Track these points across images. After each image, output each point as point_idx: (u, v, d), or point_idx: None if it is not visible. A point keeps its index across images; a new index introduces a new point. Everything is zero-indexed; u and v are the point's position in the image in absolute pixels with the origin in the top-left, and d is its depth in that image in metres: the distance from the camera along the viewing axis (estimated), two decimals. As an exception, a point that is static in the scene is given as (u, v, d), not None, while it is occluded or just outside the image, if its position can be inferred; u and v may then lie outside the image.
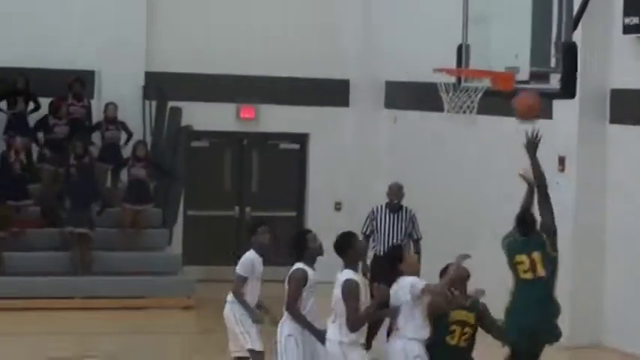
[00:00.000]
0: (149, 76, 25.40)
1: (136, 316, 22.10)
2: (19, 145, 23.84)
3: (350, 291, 12.93)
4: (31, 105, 24.94)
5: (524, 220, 13.91)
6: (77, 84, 24.86)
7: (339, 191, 26.65)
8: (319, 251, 13.69)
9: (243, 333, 14.70)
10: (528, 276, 13.88)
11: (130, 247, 23.77)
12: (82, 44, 25.12)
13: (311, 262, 13.65)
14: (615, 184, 20.51)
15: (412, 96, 24.51)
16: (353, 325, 12.95)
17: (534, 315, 13.97)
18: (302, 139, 26.91)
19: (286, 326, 13.74)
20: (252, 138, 26.73)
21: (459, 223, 23.56)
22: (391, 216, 19.20)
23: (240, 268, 14.95)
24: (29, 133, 24.80)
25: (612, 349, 20.19)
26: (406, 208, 19.18)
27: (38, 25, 25.02)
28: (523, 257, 13.95)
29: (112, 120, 24.72)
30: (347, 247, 13.24)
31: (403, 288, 12.82)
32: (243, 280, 14.88)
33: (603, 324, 20.34)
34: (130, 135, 24.85)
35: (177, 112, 24.72)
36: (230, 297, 14.79)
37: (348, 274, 13.00)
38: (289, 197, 27.05)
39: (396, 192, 19.15)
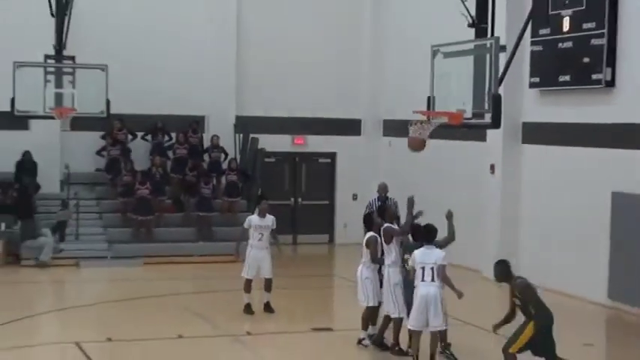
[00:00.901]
0: (238, 118, 27.74)
1: (232, 266, 21.50)
2: (158, 162, 26.51)
3: (370, 242, 15.52)
4: (166, 137, 27.37)
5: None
6: (194, 123, 27.36)
7: (354, 188, 28.44)
8: (379, 225, 15.53)
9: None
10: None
11: (229, 224, 25.55)
12: (197, 98, 27.25)
13: (377, 231, 15.55)
14: (527, 182, 22.40)
15: (399, 127, 23.96)
16: (373, 260, 15.48)
17: None
18: (332, 156, 29.04)
19: (364, 271, 15.65)
20: (302, 156, 28.92)
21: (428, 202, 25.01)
22: (380, 204, 19.32)
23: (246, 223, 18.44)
24: (164, 155, 27.11)
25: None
26: (391, 198, 19.81)
27: (170, 85, 26.77)
28: None
29: (215, 146, 27.21)
30: (369, 221, 16.28)
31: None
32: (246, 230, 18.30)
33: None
34: (226, 155, 27.20)
35: (255, 141, 27.22)
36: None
37: (369, 234, 15.67)
38: (324, 192, 29.15)
39: (383, 188, 20.08)
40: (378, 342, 15.69)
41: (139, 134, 27.41)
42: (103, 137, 26.82)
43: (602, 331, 19.14)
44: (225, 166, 27.35)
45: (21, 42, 24.46)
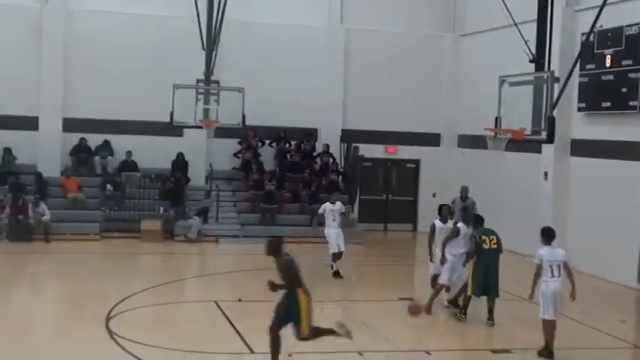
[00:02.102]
0: (343, 131, 27.65)
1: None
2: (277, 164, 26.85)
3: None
4: (287, 145, 27.43)
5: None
6: (309, 135, 27.48)
7: (433, 188, 27.91)
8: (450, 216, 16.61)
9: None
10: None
11: None
12: (311, 116, 27.29)
13: (444, 221, 16.22)
14: (573, 187, 22.16)
15: (471, 141, 26.26)
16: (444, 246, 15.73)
17: None
18: (417, 162, 28.63)
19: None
20: (393, 162, 28.53)
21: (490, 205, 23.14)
22: (460, 202, 20.56)
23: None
24: (285, 159, 27.35)
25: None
26: (470, 198, 20.75)
27: (291, 102, 26.83)
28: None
29: (325, 152, 27.25)
30: (439, 211, 16.59)
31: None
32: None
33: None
34: (334, 159, 27.16)
35: (356, 149, 27.09)
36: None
37: (437, 222, 16.21)
38: (410, 190, 28.70)
39: (464, 190, 20.80)
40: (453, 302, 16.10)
41: (267, 141, 27.53)
42: (240, 143, 26.98)
43: (633, 310, 18.57)
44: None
45: (179, 69, 24.81)
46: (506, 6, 17.77)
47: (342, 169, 27.52)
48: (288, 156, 27.51)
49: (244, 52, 26.64)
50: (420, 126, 28.39)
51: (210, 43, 24.00)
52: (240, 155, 27.20)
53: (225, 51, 25.04)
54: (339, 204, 19.59)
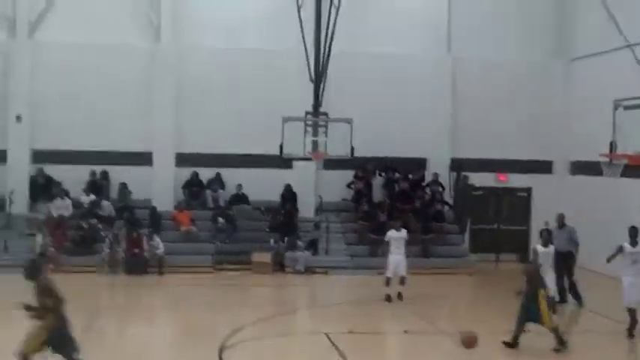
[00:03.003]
0: (452, 160, 27.53)
1: (449, 278, 24.05)
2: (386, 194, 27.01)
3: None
4: (395, 174, 27.36)
5: None
6: (416, 164, 27.46)
7: (546, 216, 24.46)
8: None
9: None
10: None
11: (439, 243, 26.03)
12: (420, 145, 27.35)
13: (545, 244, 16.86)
14: None
15: (586, 167, 25.86)
16: None
17: None
18: (528, 190, 28.26)
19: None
20: (504, 190, 28.12)
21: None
22: (557, 230, 19.85)
23: None
24: (392, 189, 27.24)
25: None
26: (568, 225, 20.14)
27: (400, 131, 26.92)
28: None
29: (434, 181, 27.21)
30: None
31: None
32: None
33: None
34: (443, 188, 27.10)
35: (466, 178, 27.18)
36: None
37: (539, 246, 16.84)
38: (522, 219, 28.15)
39: (560, 217, 20.21)
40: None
41: (377, 171, 27.61)
42: (355, 175, 27.12)
43: None
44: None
45: (288, 102, 25.06)
46: (618, 27, 17.37)
47: (451, 199, 27.39)
48: (396, 185, 27.41)
49: (352, 83, 26.86)
50: (532, 153, 28.05)
51: (318, 74, 24.28)
52: (352, 186, 27.29)
53: (333, 82, 25.21)
54: (403, 231, 20.22)
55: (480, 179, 27.54)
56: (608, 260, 16.27)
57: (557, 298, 18.18)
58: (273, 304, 20.36)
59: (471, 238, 27.30)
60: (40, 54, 26.12)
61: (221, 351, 14.42)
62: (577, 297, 19.90)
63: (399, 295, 19.89)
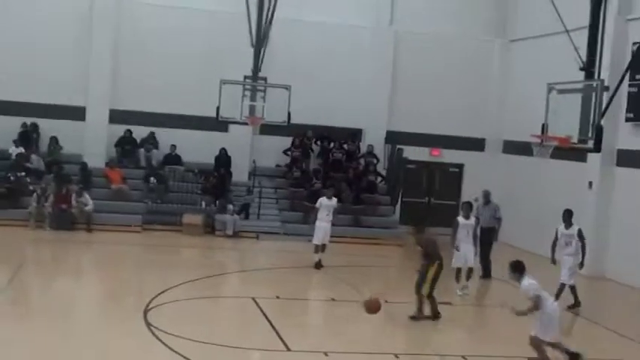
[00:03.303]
0: (388, 133, 27.62)
1: (379, 248, 24.17)
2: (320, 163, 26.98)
3: None
4: (330, 144, 27.43)
5: None
6: (352, 135, 27.48)
7: (476, 192, 24.44)
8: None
9: None
10: None
11: (370, 214, 26.09)
12: (357, 116, 27.28)
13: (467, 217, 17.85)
14: (618, 196, 22.03)
15: (517, 147, 25.93)
16: None
17: None
18: (460, 167, 28.57)
19: None
20: (436, 165, 28.38)
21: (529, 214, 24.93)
22: (482, 206, 20.38)
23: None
24: (328, 158, 27.29)
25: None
26: (493, 202, 20.48)
27: (337, 102, 26.95)
28: None
29: (369, 153, 27.21)
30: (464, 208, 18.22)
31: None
32: None
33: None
34: (378, 160, 27.14)
35: (400, 151, 26.88)
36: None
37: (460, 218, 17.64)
38: (452, 194, 28.20)
39: (485, 194, 20.60)
40: None
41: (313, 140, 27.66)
42: (293, 140, 27.08)
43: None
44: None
45: (227, 65, 24.84)
46: (558, 13, 17.57)
47: (385, 171, 27.51)
48: (331, 155, 27.51)
49: (293, 51, 26.69)
50: (466, 130, 28.27)
51: (259, 39, 24.04)
52: (289, 153, 27.30)
53: (274, 48, 25.01)
54: (334, 200, 20.41)
55: (413, 153, 27.56)
56: (553, 249, 17.12)
57: (480, 272, 18.98)
58: (202, 266, 20.29)
59: (402, 211, 27.36)
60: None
61: (146, 311, 14.37)
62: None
63: (319, 264, 19.95)
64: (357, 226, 25.60)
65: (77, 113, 25.94)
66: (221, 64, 25.02)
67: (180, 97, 26.23)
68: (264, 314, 14.94)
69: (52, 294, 16.64)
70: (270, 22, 23.89)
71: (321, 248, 19.99)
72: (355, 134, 27.79)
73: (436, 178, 28.85)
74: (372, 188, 26.84)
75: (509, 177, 26.93)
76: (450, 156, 28.55)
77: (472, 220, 17.98)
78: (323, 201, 20.23)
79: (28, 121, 25.90)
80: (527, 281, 11.87)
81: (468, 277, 18.13)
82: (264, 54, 24.10)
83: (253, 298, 15.96)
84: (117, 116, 26.26)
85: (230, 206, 24.81)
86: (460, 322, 15.99)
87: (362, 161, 27.60)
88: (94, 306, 15.92)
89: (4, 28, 25.59)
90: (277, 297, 16.46)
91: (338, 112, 27.31)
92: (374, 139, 27.78)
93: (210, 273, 18.95)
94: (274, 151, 27.20)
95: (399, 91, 27.85)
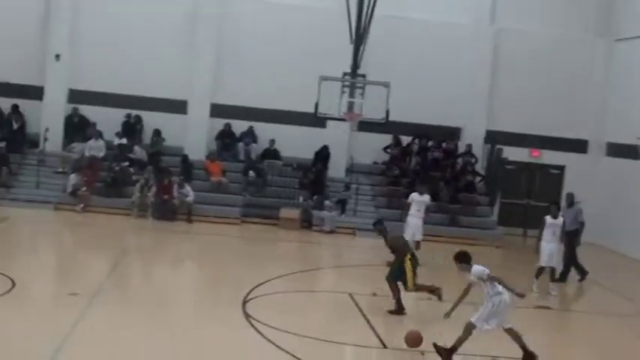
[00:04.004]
0: (487, 132, 27.42)
1: (476, 249, 21.59)
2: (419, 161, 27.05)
3: None
4: (429, 142, 27.27)
5: None
6: (452, 134, 27.48)
7: (578, 195, 23.30)
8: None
9: None
10: None
11: (468, 215, 26.01)
12: (455, 115, 27.17)
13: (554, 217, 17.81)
14: None
15: (621, 150, 25.95)
16: None
17: None
18: (561, 168, 28.02)
19: None
20: (536, 166, 28.03)
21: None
22: (566, 209, 19.94)
23: None
24: (426, 157, 27.26)
25: None
26: (576, 205, 20.06)
27: (435, 99, 26.70)
28: None
29: (467, 152, 27.06)
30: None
31: None
32: None
33: None
34: (476, 160, 27.02)
35: (500, 151, 26.71)
36: None
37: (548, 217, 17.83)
38: (552, 196, 25.42)
39: (569, 197, 20.37)
40: None
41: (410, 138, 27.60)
42: (394, 138, 27.09)
43: None
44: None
45: (326, 61, 24.87)
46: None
47: (483, 170, 27.22)
48: (429, 154, 27.34)
49: (392, 47, 26.68)
50: (568, 131, 27.79)
51: (359, 35, 23.96)
52: (389, 150, 27.28)
53: (373, 45, 24.86)
54: (426, 196, 20.26)
55: (513, 153, 27.22)
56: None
57: (558, 269, 18.66)
58: (299, 260, 20.48)
59: (500, 211, 27.11)
60: (83, -5, 26.03)
61: (244, 303, 14.50)
62: (579, 270, 20.06)
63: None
64: (454, 225, 25.42)
65: (180, 107, 26.51)
66: (320, 61, 25.08)
67: (279, 93, 26.47)
68: (361, 310, 14.91)
69: (152, 282, 17.04)
70: (370, 19, 23.75)
71: (415, 245, 19.65)
72: (454, 133, 27.61)
73: (536, 180, 28.42)
74: (471, 188, 26.60)
75: (614, 180, 26.35)
76: (550, 157, 28.08)
77: (560, 220, 18.01)
78: (415, 196, 20.16)
79: (132, 113, 26.54)
80: (478, 267, 12.01)
81: (552, 278, 18.09)
82: (363, 50, 23.96)
83: (350, 294, 15.95)
84: (218, 110, 26.72)
85: (327, 202, 24.92)
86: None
87: (460, 160, 27.34)
88: (193, 295, 16.16)
89: (115, 25, 26.36)
90: (374, 294, 16.29)
91: (436, 110, 27.12)
92: (473, 138, 27.55)
93: (307, 267, 19.09)
94: (371, 148, 27.21)
95: (498, 90, 27.61)
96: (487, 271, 11.97)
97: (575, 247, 19.86)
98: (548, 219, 17.96)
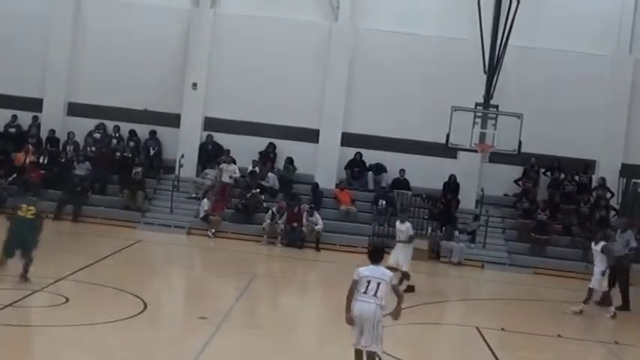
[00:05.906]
0: (623, 165, 26.32)
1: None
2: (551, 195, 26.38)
3: None
4: (561, 175, 26.49)
5: None
6: (586, 166, 26.41)
7: None
8: None
9: None
10: None
11: None
12: (589, 147, 26.28)
13: None
14: None
15: None
16: None
17: None
18: None
19: None
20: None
21: None
22: (620, 235, 20.09)
23: None
24: (558, 189, 26.27)
25: None
26: (629, 231, 20.00)
27: (569, 132, 26.04)
28: None
29: (601, 186, 26.03)
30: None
31: None
32: None
33: None
34: (612, 194, 25.80)
35: (636, 185, 25.82)
36: None
37: None
38: None
39: (623, 223, 20.66)
40: None
41: (542, 170, 26.94)
42: (525, 171, 26.62)
43: None
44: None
45: (457, 91, 24.69)
46: None
47: (618, 205, 26.20)
48: (562, 187, 26.62)
49: (525, 78, 26.34)
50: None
51: (493, 66, 23.68)
52: (520, 183, 26.76)
53: (507, 76, 24.60)
54: (406, 224, 18.52)
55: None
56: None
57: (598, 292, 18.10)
58: (426, 292, 20.03)
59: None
60: (221, 25, 26.82)
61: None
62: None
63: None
64: (587, 262, 24.18)
65: (311, 135, 26.75)
66: (452, 91, 24.91)
67: (410, 123, 26.41)
68: (488, 345, 14.51)
69: (278, 307, 17.08)
70: (504, 49, 23.46)
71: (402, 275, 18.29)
72: (588, 165, 26.80)
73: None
74: (605, 223, 25.27)
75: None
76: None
77: (598, 245, 17.86)
78: (397, 224, 18.78)
79: (266, 141, 26.92)
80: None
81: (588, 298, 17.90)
82: (496, 81, 23.68)
83: (477, 328, 15.58)
84: (348, 139, 26.82)
85: (457, 233, 24.53)
86: None
87: (594, 194, 26.46)
88: (315, 323, 16.11)
89: (248, 49, 26.76)
90: (502, 329, 15.92)
91: (569, 142, 26.50)
92: (607, 171, 26.67)
93: (434, 299, 18.75)
94: (502, 179, 26.72)
95: (636, 122, 26.58)
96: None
97: (623, 274, 19.27)
98: (593, 245, 18.18)
